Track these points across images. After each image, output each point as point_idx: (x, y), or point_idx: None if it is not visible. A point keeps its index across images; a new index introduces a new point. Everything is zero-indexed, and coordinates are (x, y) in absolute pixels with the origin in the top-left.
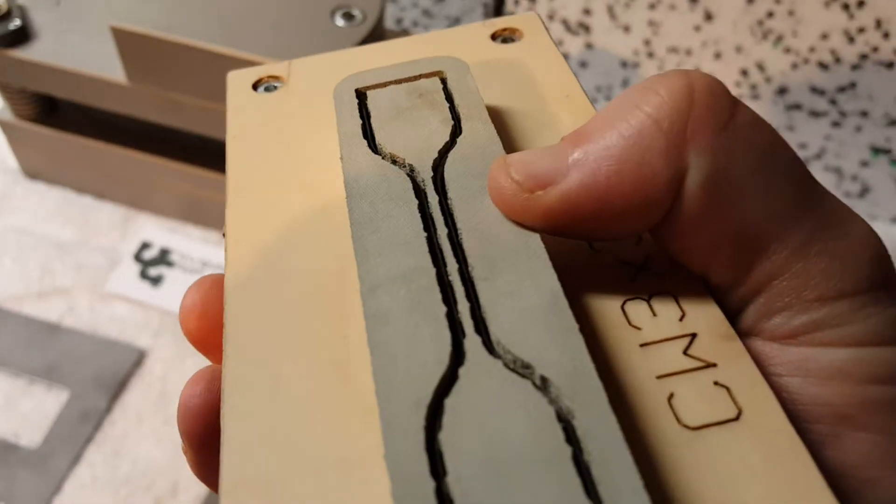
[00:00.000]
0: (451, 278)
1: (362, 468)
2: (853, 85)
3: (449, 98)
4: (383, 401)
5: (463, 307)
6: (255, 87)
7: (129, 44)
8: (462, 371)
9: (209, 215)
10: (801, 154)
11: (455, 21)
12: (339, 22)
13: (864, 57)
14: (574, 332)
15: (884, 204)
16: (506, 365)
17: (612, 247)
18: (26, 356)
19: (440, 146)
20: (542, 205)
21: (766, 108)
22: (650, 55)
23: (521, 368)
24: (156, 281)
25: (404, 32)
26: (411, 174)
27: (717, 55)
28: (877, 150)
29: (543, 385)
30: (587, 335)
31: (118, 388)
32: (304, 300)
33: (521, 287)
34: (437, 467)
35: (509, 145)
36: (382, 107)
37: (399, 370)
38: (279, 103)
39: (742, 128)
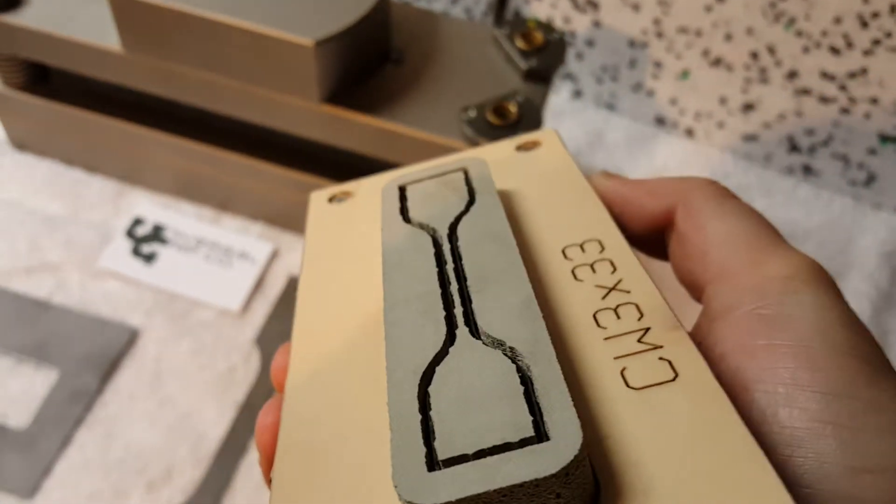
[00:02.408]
0: (452, 296)
1: (382, 435)
2: (864, 71)
3: (468, 184)
4: (390, 371)
5: (458, 311)
6: (330, 200)
7: (125, 10)
8: (451, 349)
9: (204, 191)
10: (807, 141)
11: None
12: None
13: (876, 42)
14: (539, 320)
15: (889, 193)
16: (485, 343)
17: (591, 277)
18: (14, 334)
19: (457, 213)
20: (603, 184)
21: (774, 93)
22: (659, 35)
23: (496, 345)
24: (149, 258)
25: (407, 4)
26: (433, 235)
27: (728, 37)
28: (885, 139)
29: (511, 353)
30: (559, 333)
31: (110, 368)
32: (352, 334)
33: (504, 295)
34: (425, 408)
35: (511, 211)
36: (416, 195)
37: (405, 351)
38: (347, 210)
39: (728, 200)
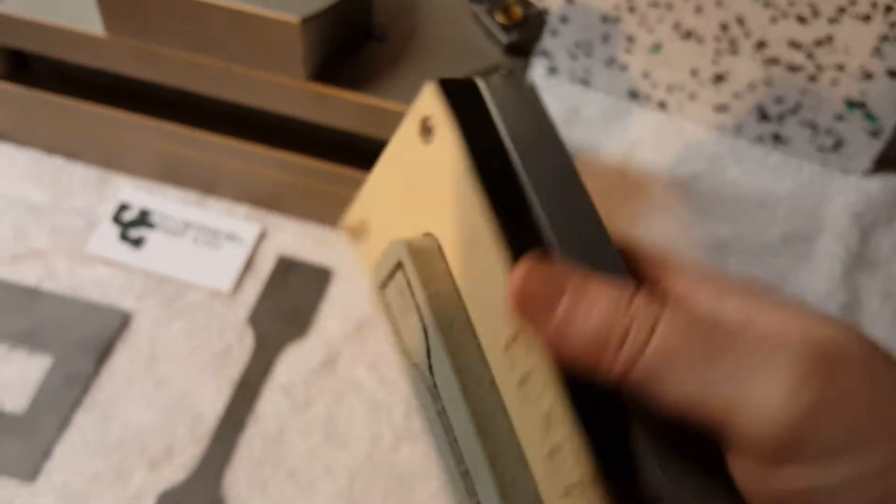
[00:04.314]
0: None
1: None
2: (830, 38)
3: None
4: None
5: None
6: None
7: None
8: None
9: (189, 175)
10: (776, 109)
11: None
12: None
13: (841, 10)
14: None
15: (857, 157)
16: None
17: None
18: (4, 322)
19: (425, 352)
20: None
21: (744, 64)
22: (631, 10)
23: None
24: (137, 243)
25: None
26: (421, 370)
27: (698, 9)
28: (851, 104)
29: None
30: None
31: (104, 351)
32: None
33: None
34: None
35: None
36: (394, 300)
37: None
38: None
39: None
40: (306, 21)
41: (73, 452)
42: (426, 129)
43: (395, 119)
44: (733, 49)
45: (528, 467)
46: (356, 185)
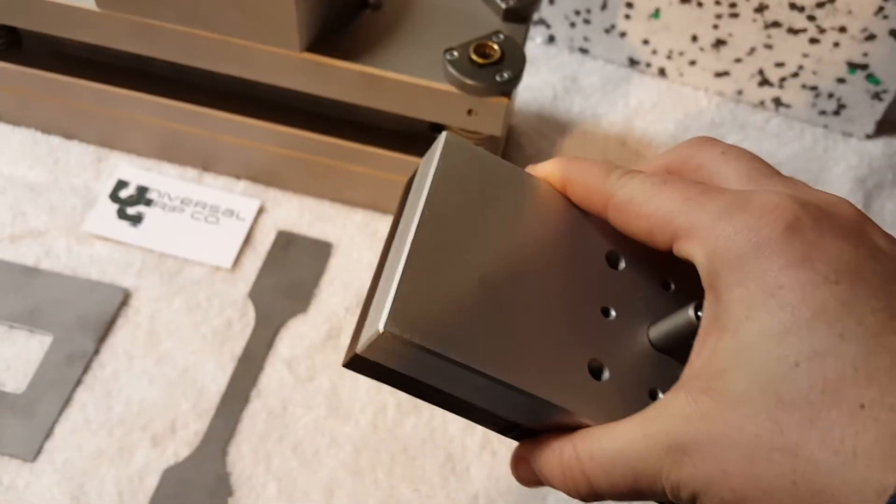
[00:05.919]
0: None
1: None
2: (832, 0)
3: None
4: None
5: None
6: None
7: None
8: None
9: (186, 151)
10: (777, 73)
11: None
12: None
13: None
14: None
15: (859, 121)
16: None
17: None
18: (4, 302)
19: None
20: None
21: (744, 27)
22: None
23: None
24: (136, 220)
25: None
26: None
27: None
28: (854, 67)
29: None
30: None
31: (104, 329)
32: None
33: None
34: None
35: None
36: None
37: None
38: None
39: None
40: None
41: (75, 431)
42: None
43: (392, 88)
44: (733, 13)
45: None
46: (354, 159)
